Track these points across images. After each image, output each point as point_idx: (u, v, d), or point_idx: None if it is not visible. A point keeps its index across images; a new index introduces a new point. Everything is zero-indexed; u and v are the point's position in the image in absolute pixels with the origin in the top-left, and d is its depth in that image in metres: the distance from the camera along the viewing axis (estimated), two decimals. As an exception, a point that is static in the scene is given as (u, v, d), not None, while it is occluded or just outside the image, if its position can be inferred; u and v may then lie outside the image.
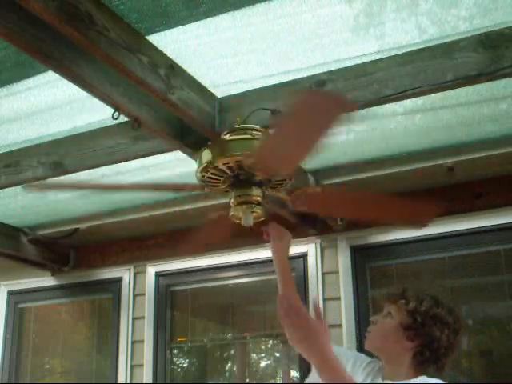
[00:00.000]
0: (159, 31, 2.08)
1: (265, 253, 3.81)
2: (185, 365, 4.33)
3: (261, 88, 2.43)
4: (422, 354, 1.90)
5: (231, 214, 2.19)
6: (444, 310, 1.98)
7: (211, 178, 2.16)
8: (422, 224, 2.43)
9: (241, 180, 2.17)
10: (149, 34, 2.09)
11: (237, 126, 2.22)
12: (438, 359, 1.93)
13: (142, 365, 4.02)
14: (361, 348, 3.41)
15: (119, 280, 4.27)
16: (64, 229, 4.04)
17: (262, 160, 1.93)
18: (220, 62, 2.31)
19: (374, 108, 2.45)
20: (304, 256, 3.69)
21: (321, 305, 3.57)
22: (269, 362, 4.07)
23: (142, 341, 4.06)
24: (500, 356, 3.36)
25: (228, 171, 2.14)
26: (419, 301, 1.98)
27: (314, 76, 2.34)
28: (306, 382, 1.94)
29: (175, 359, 4.20)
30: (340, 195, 2.22)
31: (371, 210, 2.28)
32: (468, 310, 3.50)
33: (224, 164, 2.11)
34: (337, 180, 3.17)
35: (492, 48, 2.06)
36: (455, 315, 2.01)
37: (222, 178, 2.17)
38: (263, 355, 4.10)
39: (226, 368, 4.16)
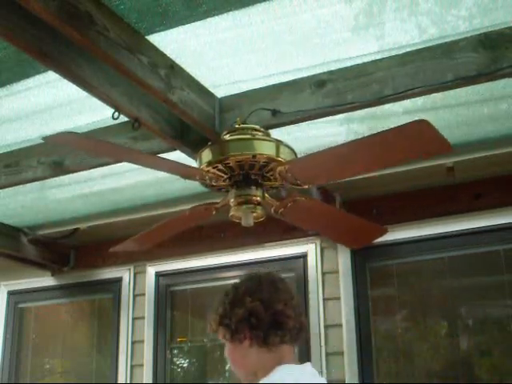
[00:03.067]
0: (159, 31, 2.08)
1: (265, 253, 3.81)
2: (185, 365, 4.33)
3: (261, 88, 2.43)
4: (251, 338, 1.73)
5: (231, 214, 2.19)
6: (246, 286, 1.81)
7: (211, 178, 2.16)
8: (360, 243, 2.49)
9: (241, 180, 2.17)
10: (149, 34, 2.09)
11: (237, 126, 2.22)
12: (266, 335, 1.73)
13: (142, 365, 4.02)
14: (361, 348, 3.41)
15: (119, 280, 4.27)
16: (64, 229, 4.04)
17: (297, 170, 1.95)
18: (220, 62, 2.31)
19: (374, 108, 2.45)
20: (304, 256, 3.69)
21: (321, 305, 3.57)
22: (269, 362, 4.06)
23: (142, 341, 4.06)
24: (500, 356, 3.36)
25: (228, 171, 2.14)
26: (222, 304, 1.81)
27: (314, 76, 2.34)
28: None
29: (175, 359, 4.19)
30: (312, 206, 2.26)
31: (320, 221, 2.33)
32: (468, 310, 3.50)
33: (224, 164, 2.12)
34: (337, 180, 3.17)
35: (492, 48, 2.06)
36: (263, 285, 1.82)
37: (222, 178, 2.17)
38: (263, 355, 4.09)
39: (226, 368, 4.16)
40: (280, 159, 2.09)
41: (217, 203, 2.28)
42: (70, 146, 2.13)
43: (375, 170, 2.18)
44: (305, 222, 2.33)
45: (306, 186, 2.13)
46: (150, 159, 2.11)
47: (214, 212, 2.29)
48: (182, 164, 2.10)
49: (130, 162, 2.21)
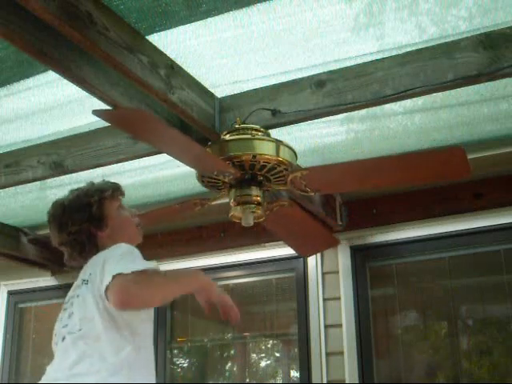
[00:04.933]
0: (159, 31, 2.08)
1: (265, 253, 3.81)
2: (185, 365, 4.33)
3: (261, 88, 2.43)
4: None
5: (231, 214, 2.19)
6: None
7: (211, 177, 2.16)
8: (313, 251, 2.52)
9: (241, 180, 2.17)
10: (149, 34, 2.09)
11: (237, 126, 2.22)
12: None
13: (141, 365, 4.01)
14: (361, 348, 3.41)
15: (119, 280, 4.27)
16: (64, 229, 4.03)
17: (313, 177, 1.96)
18: (220, 61, 2.31)
19: (374, 108, 2.45)
20: (304, 256, 3.69)
21: (321, 305, 3.57)
22: (269, 361, 4.07)
23: (142, 341, 4.06)
24: (500, 356, 3.36)
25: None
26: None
27: (314, 76, 2.34)
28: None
29: (175, 359, 4.19)
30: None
31: (291, 228, 2.34)
32: (468, 310, 3.50)
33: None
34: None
35: (492, 48, 2.06)
36: None
37: (222, 178, 2.17)
38: (263, 355, 4.10)
39: (226, 368, 4.16)
40: (299, 165, 2.10)
41: (208, 199, 2.28)
42: (125, 127, 2.01)
43: (390, 186, 2.21)
44: (278, 228, 2.32)
45: (313, 194, 2.13)
46: (198, 151, 2.03)
47: (198, 207, 2.30)
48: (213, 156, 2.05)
49: (177, 151, 2.13)
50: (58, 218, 2.00)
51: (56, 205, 2.03)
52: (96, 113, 1.80)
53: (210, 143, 2.24)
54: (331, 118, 2.51)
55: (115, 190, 2.01)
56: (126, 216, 2.01)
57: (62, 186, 3.39)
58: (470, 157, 2.91)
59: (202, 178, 2.19)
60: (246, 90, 2.46)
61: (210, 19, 2.04)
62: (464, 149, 1.71)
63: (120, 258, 1.70)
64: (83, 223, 1.94)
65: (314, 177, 2.03)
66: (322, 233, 2.38)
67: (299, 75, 2.36)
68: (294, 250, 2.48)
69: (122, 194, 2.05)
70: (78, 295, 1.84)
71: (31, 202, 3.65)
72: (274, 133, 2.32)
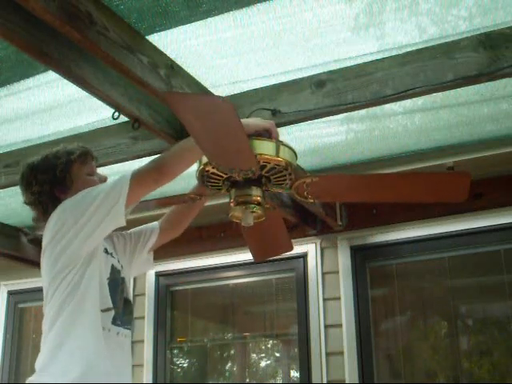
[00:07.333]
0: (159, 31, 2.08)
1: (265, 253, 3.81)
2: (185, 365, 4.33)
3: (261, 88, 2.43)
4: None
5: (231, 214, 2.18)
6: None
7: (211, 178, 2.16)
8: (268, 256, 2.52)
9: (240, 180, 2.16)
10: (149, 34, 2.09)
11: (237, 126, 2.22)
12: None
13: (141, 365, 4.02)
14: (361, 348, 3.41)
15: (119, 280, 4.27)
16: (64, 229, 4.03)
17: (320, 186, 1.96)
18: (220, 61, 2.31)
19: (374, 108, 2.45)
20: (304, 256, 3.69)
21: (321, 305, 3.57)
22: (269, 361, 4.07)
23: (142, 341, 4.06)
24: (500, 356, 3.37)
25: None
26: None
27: (313, 76, 2.34)
28: None
29: (175, 359, 4.20)
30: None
31: (262, 234, 2.34)
32: (468, 310, 3.50)
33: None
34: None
35: (492, 48, 2.06)
36: None
37: (221, 178, 2.17)
38: (263, 355, 4.10)
39: (226, 368, 4.16)
40: (307, 173, 2.09)
41: (204, 195, 2.28)
42: (189, 114, 1.76)
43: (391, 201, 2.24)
44: (249, 232, 2.31)
45: (312, 201, 2.13)
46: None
47: (189, 201, 2.30)
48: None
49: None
50: (24, 177, 1.98)
51: (26, 164, 2.01)
52: (169, 96, 1.73)
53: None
54: (331, 118, 2.51)
55: (83, 153, 1.99)
56: (94, 181, 1.98)
57: (61, 186, 3.40)
58: (469, 157, 2.96)
59: (202, 176, 2.19)
60: (246, 90, 2.46)
61: (210, 19, 2.04)
62: (471, 174, 1.75)
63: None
64: (45, 185, 1.93)
65: (319, 185, 2.02)
66: (285, 238, 2.38)
67: (299, 75, 2.36)
68: (253, 254, 2.47)
69: (93, 158, 2.03)
70: None
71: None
72: (274, 133, 2.32)
